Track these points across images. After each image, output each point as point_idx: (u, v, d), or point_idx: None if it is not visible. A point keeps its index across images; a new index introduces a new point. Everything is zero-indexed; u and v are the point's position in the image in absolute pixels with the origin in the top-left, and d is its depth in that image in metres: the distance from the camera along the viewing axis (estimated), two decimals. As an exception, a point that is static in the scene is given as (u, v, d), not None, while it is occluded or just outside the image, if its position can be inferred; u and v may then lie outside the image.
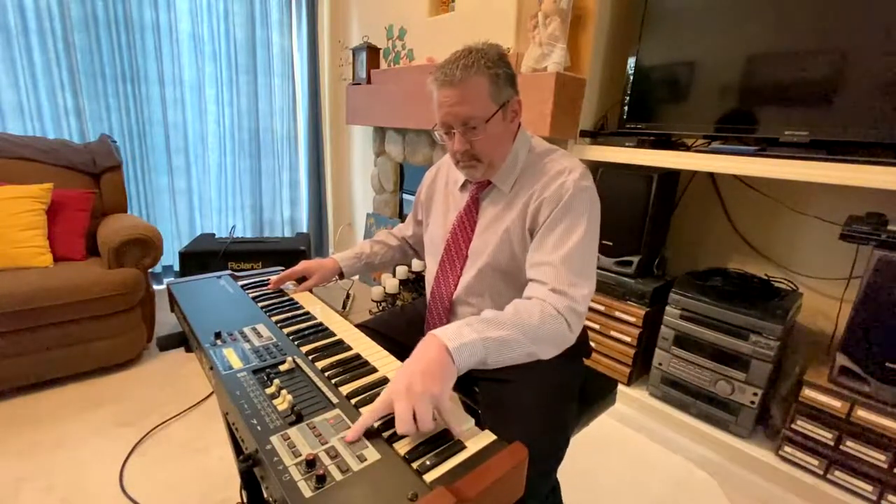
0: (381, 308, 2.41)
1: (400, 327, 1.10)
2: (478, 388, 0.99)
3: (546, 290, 0.81)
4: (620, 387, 1.73)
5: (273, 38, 2.97)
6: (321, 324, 0.91)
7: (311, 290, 1.12)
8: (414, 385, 0.59)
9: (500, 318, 0.73)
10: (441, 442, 0.58)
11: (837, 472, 1.35)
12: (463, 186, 1.04)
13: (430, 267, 1.08)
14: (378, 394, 0.67)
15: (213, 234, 2.63)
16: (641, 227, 1.71)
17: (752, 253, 1.77)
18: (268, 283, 1.11)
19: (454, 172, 1.06)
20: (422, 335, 0.98)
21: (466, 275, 0.98)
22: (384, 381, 0.71)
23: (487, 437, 0.59)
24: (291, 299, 1.04)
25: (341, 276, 1.18)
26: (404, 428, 0.56)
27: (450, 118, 0.87)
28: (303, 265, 1.12)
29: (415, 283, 2.44)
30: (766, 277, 1.65)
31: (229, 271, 1.18)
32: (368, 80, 2.68)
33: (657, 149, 1.63)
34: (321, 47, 3.20)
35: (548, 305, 0.78)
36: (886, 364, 1.24)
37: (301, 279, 1.13)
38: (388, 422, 0.61)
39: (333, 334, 0.87)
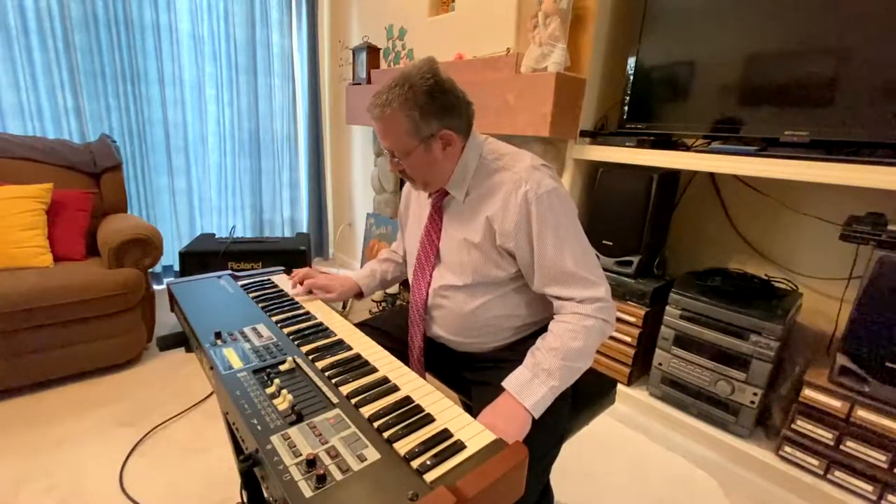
0: (381, 308, 2.41)
1: (400, 325, 1.11)
2: (471, 389, 1.00)
3: (574, 304, 0.87)
4: (620, 387, 1.73)
5: (273, 38, 2.97)
6: (321, 324, 0.91)
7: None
8: (497, 424, 0.70)
9: (554, 363, 0.81)
10: (441, 442, 0.58)
11: (837, 472, 1.35)
12: (430, 195, 1.05)
13: (409, 274, 1.10)
14: (378, 393, 0.68)
15: (213, 234, 2.63)
16: (641, 227, 1.71)
17: (752, 253, 1.77)
18: (268, 284, 1.13)
19: None
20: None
21: (436, 279, 1.01)
22: (384, 381, 0.71)
23: (487, 437, 0.59)
24: (292, 299, 1.04)
25: (360, 295, 1.20)
26: None
27: (382, 143, 0.92)
28: (325, 279, 1.12)
29: (415, 283, 2.44)
30: (766, 277, 1.65)
31: (229, 271, 1.18)
32: (368, 80, 2.68)
33: (657, 149, 1.63)
34: (321, 47, 3.20)
35: (582, 318, 0.85)
36: (886, 364, 1.24)
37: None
38: (389, 422, 0.61)
39: (333, 334, 0.87)
